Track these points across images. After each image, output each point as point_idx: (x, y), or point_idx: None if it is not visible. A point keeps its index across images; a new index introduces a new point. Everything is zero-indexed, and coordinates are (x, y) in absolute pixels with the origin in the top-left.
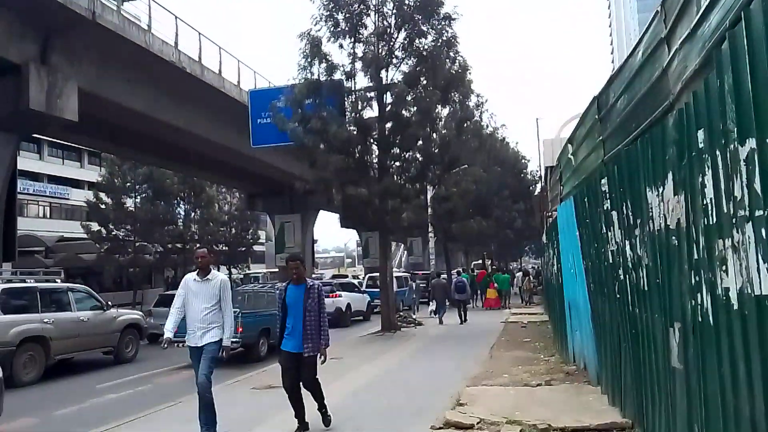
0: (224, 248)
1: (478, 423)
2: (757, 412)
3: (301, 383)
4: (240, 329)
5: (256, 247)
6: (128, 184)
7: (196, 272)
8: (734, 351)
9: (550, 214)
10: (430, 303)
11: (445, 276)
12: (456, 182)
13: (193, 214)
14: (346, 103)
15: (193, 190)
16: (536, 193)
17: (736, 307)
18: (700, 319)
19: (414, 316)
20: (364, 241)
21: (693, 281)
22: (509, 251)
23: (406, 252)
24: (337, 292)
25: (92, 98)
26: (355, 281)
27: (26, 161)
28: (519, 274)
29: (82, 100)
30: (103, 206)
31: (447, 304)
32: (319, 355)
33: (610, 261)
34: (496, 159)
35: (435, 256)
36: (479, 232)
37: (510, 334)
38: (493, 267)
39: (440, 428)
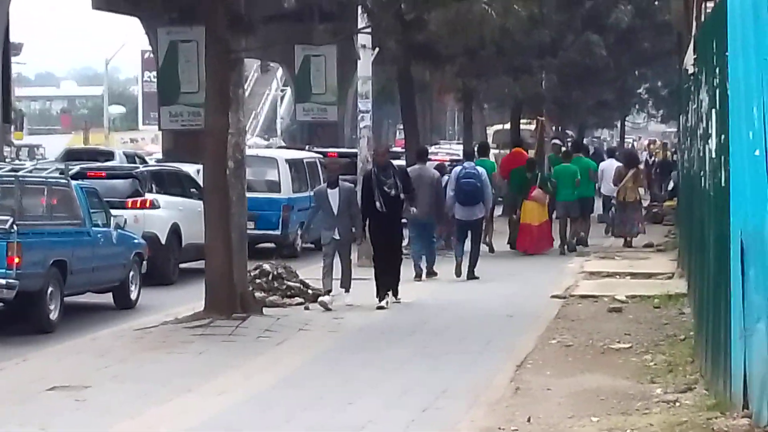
0: None
1: None
2: None
3: None
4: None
5: None
6: None
7: None
8: None
9: None
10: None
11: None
12: None
13: None
14: None
15: None
16: None
17: None
18: None
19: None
20: (164, 48)
21: None
22: (597, 111)
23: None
24: (146, 198)
25: None
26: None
27: None
28: (612, 164)
29: None
30: None
31: (438, 235)
32: None
33: None
34: None
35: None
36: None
37: (576, 327)
38: (557, 143)
39: None
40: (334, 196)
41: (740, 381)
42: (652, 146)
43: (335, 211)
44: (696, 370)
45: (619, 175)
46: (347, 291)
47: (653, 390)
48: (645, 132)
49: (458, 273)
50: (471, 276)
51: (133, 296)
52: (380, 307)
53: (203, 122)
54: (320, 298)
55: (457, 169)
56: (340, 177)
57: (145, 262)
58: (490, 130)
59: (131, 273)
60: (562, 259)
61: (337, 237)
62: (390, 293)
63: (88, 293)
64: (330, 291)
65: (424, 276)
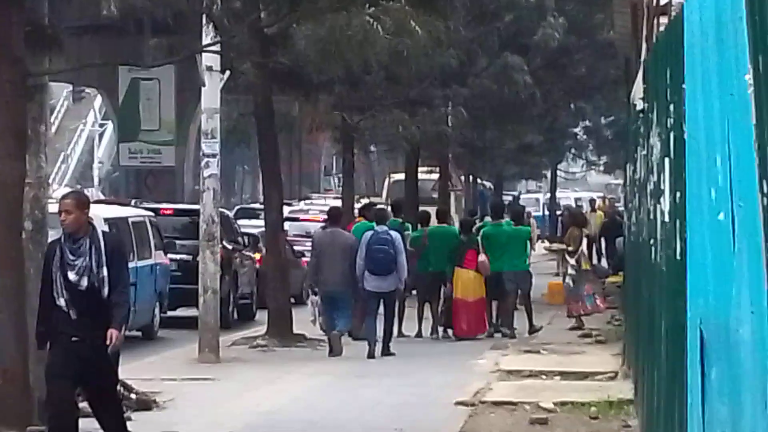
0: None
1: None
2: None
3: None
4: None
5: None
6: None
7: None
8: None
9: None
10: (311, 298)
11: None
12: None
13: None
14: None
15: None
16: None
17: None
18: None
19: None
20: None
21: None
22: (520, 157)
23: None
24: None
25: None
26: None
27: None
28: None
29: None
30: None
31: (352, 303)
32: None
33: None
34: None
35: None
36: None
37: None
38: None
39: None
40: None
41: None
42: (602, 204)
43: None
44: None
45: (573, 236)
46: None
47: None
48: (583, 184)
49: (371, 355)
50: (386, 352)
51: None
52: None
53: None
54: None
55: (368, 234)
56: (177, 242)
57: None
58: (387, 182)
59: None
60: (471, 351)
61: None
62: None
63: None
64: None
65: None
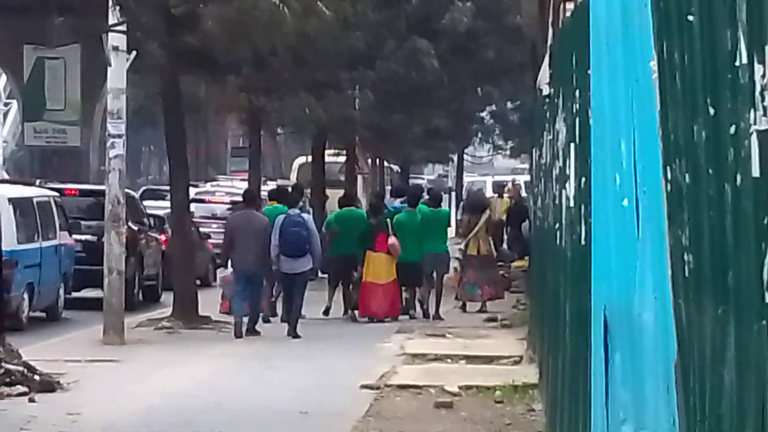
0: None
1: None
2: None
3: None
4: None
5: None
6: None
7: None
8: None
9: None
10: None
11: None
12: None
13: None
14: None
15: None
16: None
17: None
18: None
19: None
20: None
21: None
22: (427, 141)
23: None
24: None
25: None
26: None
27: None
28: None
29: None
30: None
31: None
32: None
33: None
34: None
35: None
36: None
37: (391, 428)
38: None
39: None
40: None
41: None
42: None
43: None
44: None
45: (467, 223)
46: None
47: None
48: (490, 168)
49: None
50: (294, 335)
51: None
52: None
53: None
54: None
55: (281, 217)
56: (82, 222)
57: None
58: (295, 164)
59: None
60: (377, 335)
61: None
62: None
63: None
64: None
65: (245, 334)
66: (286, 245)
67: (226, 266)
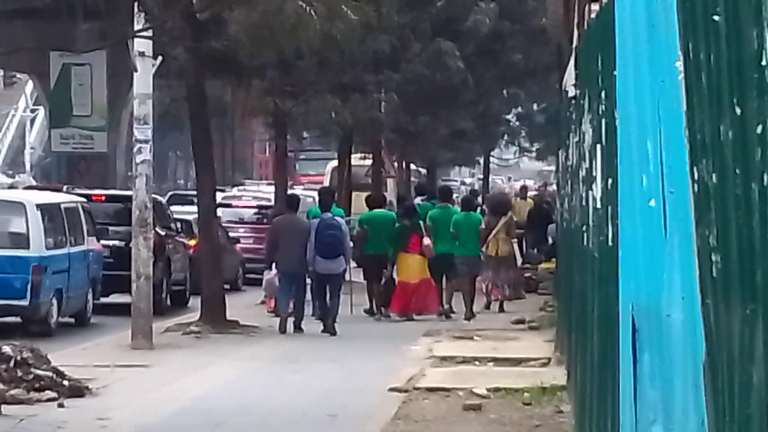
0: None
1: None
2: None
3: None
4: None
5: None
6: None
7: None
8: None
9: None
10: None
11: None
12: None
13: None
14: None
15: None
16: None
17: None
18: None
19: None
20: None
21: None
22: (453, 143)
23: None
24: None
25: None
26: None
27: None
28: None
29: None
30: None
31: (308, 285)
32: None
33: None
34: None
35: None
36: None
37: (420, 431)
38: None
39: None
40: None
41: None
42: (542, 190)
43: None
44: None
45: (488, 225)
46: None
47: None
48: (516, 171)
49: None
50: (333, 332)
51: None
52: None
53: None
54: None
55: (315, 220)
56: (110, 228)
57: None
58: (328, 167)
59: None
60: (404, 337)
61: None
62: None
63: None
64: None
65: (292, 330)
66: (322, 247)
67: (270, 267)
